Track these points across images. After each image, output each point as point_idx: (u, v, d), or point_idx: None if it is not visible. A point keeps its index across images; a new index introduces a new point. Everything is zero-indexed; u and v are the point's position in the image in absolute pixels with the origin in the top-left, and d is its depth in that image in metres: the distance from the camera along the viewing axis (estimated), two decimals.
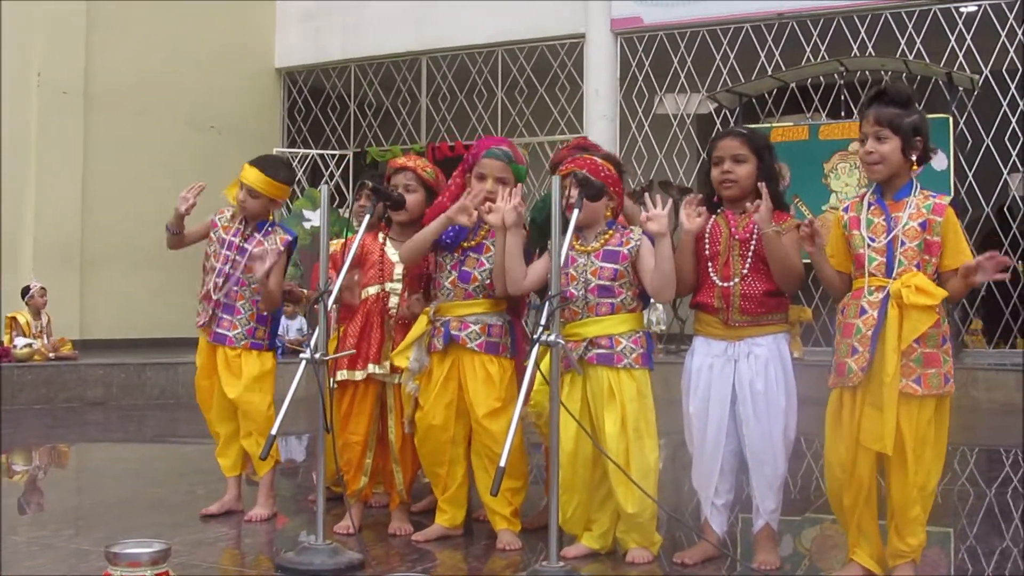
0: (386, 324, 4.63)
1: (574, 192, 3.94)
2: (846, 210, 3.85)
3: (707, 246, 4.11)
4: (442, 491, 4.50)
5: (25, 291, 11.06)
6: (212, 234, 5.05)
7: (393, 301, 4.64)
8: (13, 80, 12.18)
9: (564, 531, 4.11)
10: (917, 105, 3.76)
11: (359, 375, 4.59)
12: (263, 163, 5.07)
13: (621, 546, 4.20)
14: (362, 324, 4.63)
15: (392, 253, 4.68)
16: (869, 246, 3.72)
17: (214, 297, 4.96)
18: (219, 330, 4.97)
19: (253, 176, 4.96)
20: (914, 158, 3.73)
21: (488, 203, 4.29)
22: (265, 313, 4.99)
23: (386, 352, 4.61)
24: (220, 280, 4.94)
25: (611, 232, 4.18)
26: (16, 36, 12.18)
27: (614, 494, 4.10)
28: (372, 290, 4.66)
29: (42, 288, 11.08)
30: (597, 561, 4.18)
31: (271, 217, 5.11)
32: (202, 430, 8.53)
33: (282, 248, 4.95)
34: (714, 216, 4.16)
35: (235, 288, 4.96)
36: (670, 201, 4.09)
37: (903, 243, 3.67)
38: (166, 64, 13.57)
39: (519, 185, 4.37)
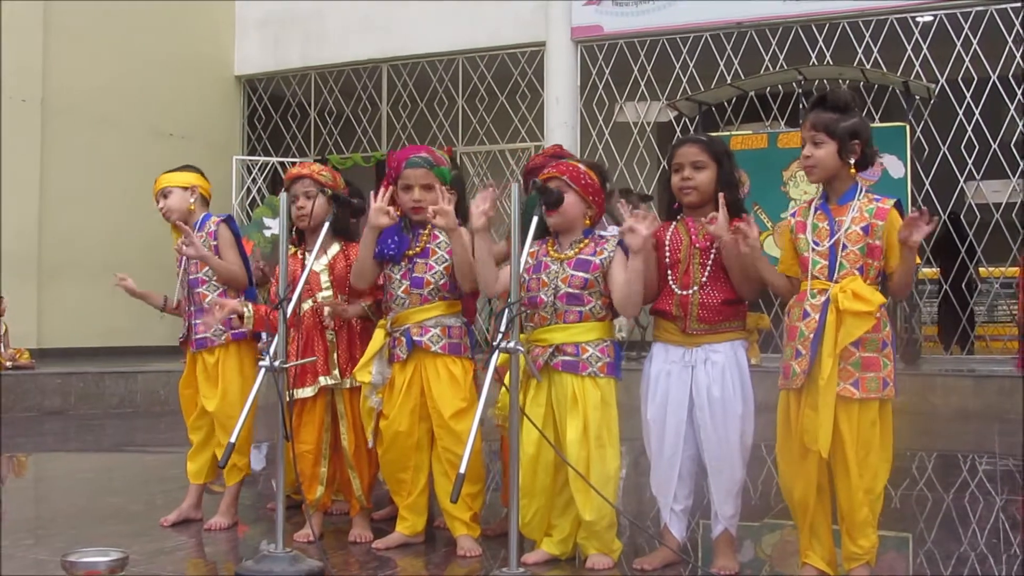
0: (327, 335, 4.64)
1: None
2: (794, 215, 3.93)
3: (667, 254, 4.14)
4: (403, 498, 4.50)
5: None
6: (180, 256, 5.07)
7: (328, 310, 4.65)
8: None
9: (524, 536, 4.12)
10: (858, 110, 3.80)
11: (309, 391, 4.60)
12: (173, 168, 5.25)
13: (581, 552, 4.22)
14: (304, 341, 4.63)
15: (314, 264, 4.66)
16: (813, 250, 3.78)
17: (189, 309, 4.98)
18: (198, 336, 4.97)
19: (159, 180, 5.15)
20: (852, 161, 3.78)
21: (430, 209, 4.30)
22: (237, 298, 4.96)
23: (332, 361, 4.62)
24: (185, 291, 4.96)
25: (587, 241, 4.20)
26: None
27: (575, 500, 4.12)
28: (305, 305, 4.66)
29: (0, 297, 10.98)
30: (557, 567, 4.20)
31: (193, 207, 5.10)
32: (161, 439, 8.55)
33: (214, 228, 4.99)
34: (675, 223, 4.19)
35: (197, 289, 4.98)
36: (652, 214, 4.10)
37: (845, 247, 3.73)
38: (125, 72, 13.47)
39: (445, 187, 4.38)
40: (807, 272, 3.78)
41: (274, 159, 14.59)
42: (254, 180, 14.21)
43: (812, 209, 3.86)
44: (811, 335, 3.69)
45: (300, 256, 4.70)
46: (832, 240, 3.75)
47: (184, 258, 4.99)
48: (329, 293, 4.66)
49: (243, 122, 15.37)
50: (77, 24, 12.98)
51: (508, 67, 13.58)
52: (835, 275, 3.72)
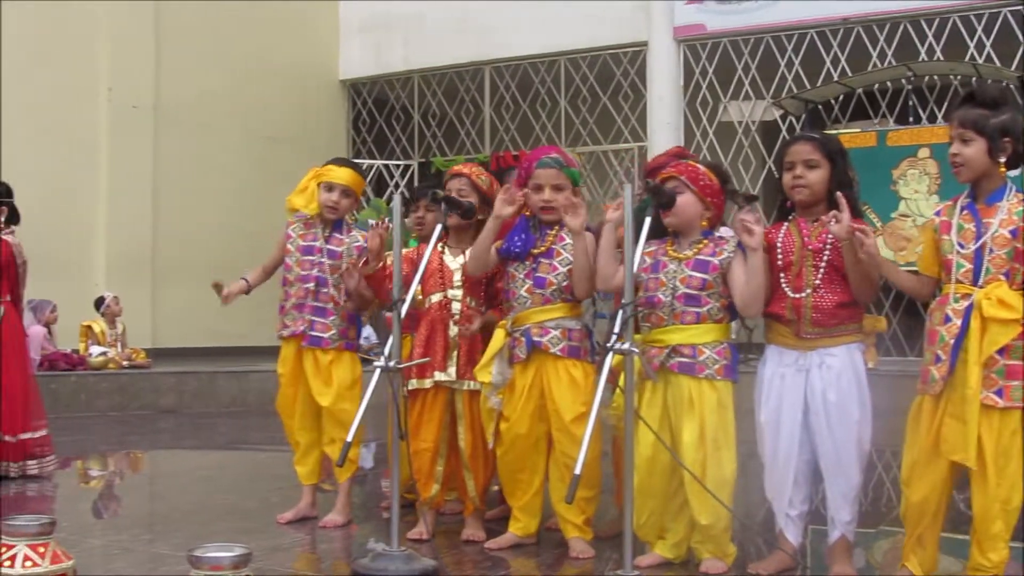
0: (450, 331, 4.67)
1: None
2: (938, 214, 3.79)
3: (779, 256, 4.09)
4: (518, 499, 4.53)
5: (100, 301, 11.27)
6: (289, 245, 5.10)
7: (455, 308, 4.69)
8: (84, 95, 12.41)
9: (638, 538, 4.11)
10: (1008, 106, 3.66)
11: (427, 383, 4.63)
12: (347, 162, 5.22)
13: (695, 556, 4.19)
14: (427, 333, 4.67)
15: (450, 260, 4.72)
16: (958, 252, 3.66)
17: (310, 303, 5.00)
18: (314, 333, 4.99)
19: (345, 175, 5.06)
20: (1003, 160, 3.65)
21: (566, 208, 4.33)
22: (353, 312, 5.05)
23: (451, 358, 4.65)
24: (312, 285, 5.00)
25: (705, 241, 4.16)
26: (86, 52, 12.43)
27: (689, 503, 4.09)
28: (435, 298, 4.71)
29: (116, 297, 11.28)
30: (671, 570, 4.18)
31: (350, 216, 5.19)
32: (273, 437, 8.66)
33: (363, 243, 5.04)
34: (786, 223, 4.14)
35: (324, 290, 5.01)
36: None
37: (991, 250, 3.60)
38: (233, 78, 13.74)
39: (577, 189, 4.40)
40: (950, 275, 3.67)
41: (378, 162, 14.76)
42: None
43: (958, 208, 3.72)
44: (952, 340, 3.58)
45: (440, 249, 4.74)
46: (978, 243, 3.62)
47: (310, 256, 5.02)
48: (460, 293, 4.69)
49: (348, 126, 15.55)
50: (187, 32, 13.27)
51: (610, 67, 13.53)
52: (980, 280, 3.61)
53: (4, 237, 6.37)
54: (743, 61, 12.68)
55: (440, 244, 4.73)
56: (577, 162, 4.62)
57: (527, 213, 4.50)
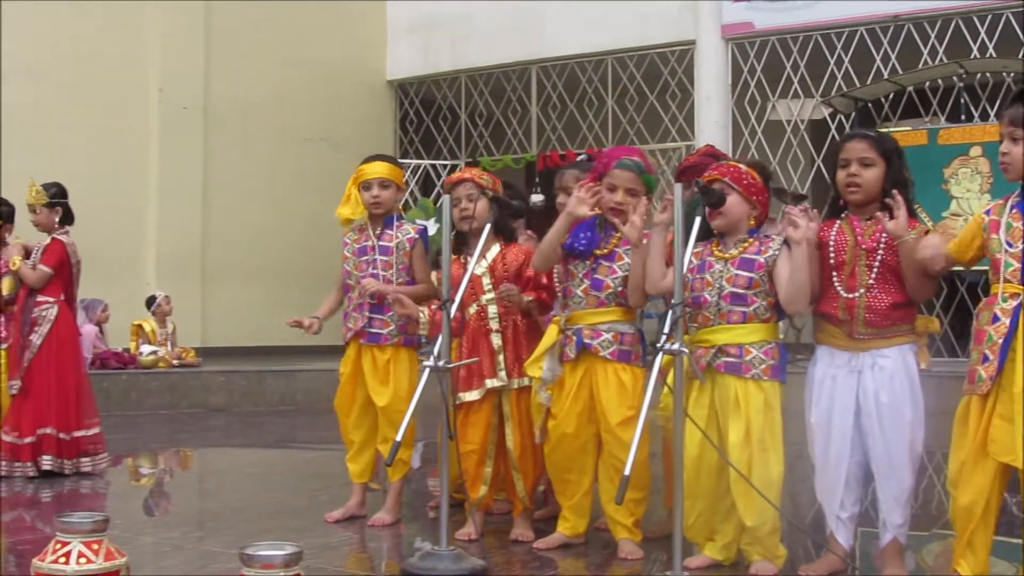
0: (492, 338, 4.67)
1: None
2: (988, 212, 3.73)
3: (832, 254, 4.05)
4: (567, 499, 4.52)
5: (151, 300, 11.38)
6: (345, 252, 5.14)
7: (492, 311, 4.69)
8: (135, 96, 12.55)
9: (687, 540, 4.09)
10: None
11: (476, 395, 4.64)
12: (378, 156, 5.22)
13: (745, 558, 4.16)
14: (470, 346, 4.68)
15: (475, 268, 4.68)
16: (1006, 251, 3.59)
17: (368, 301, 5.02)
18: (372, 330, 5.02)
19: (381, 168, 5.08)
20: None
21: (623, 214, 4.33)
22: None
23: (498, 363, 4.65)
24: (358, 283, 5.03)
25: (751, 240, 4.14)
26: (138, 53, 12.57)
27: (736, 504, 4.07)
28: (471, 310, 4.71)
29: (167, 297, 11.40)
30: (720, 572, 4.16)
31: (398, 209, 5.19)
32: (321, 436, 8.74)
33: (417, 236, 5.05)
34: (839, 221, 4.10)
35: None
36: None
37: None
38: (281, 79, 13.83)
39: (645, 199, 4.37)
40: (999, 274, 3.60)
41: (426, 162, 14.80)
42: (406, 183, 14.38)
43: (1008, 207, 3.65)
44: (1000, 340, 3.52)
45: (463, 260, 4.73)
46: None
47: (365, 257, 5.05)
48: (492, 296, 4.69)
49: (395, 126, 15.61)
50: (236, 34, 13.39)
51: (657, 66, 13.49)
52: None
53: (58, 237, 6.46)
54: (792, 59, 12.59)
55: (463, 257, 4.73)
56: (655, 168, 4.58)
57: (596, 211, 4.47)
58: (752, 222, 4.17)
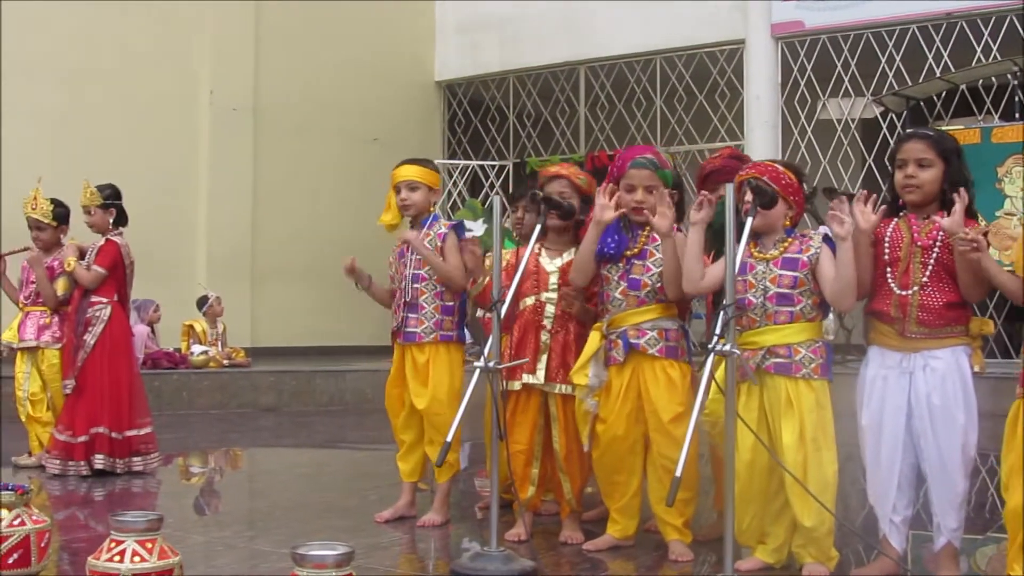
0: (541, 335, 4.66)
1: (746, 199, 3.90)
2: None
3: (886, 251, 4.00)
4: (615, 501, 4.50)
5: (202, 301, 11.49)
6: (390, 257, 5.18)
7: (549, 310, 4.68)
8: (186, 98, 12.68)
9: (738, 543, 4.06)
10: None
11: (516, 385, 4.63)
12: (413, 159, 5.21)
13: (797, 560, 4.12)
14: (519, 335, 4.66)
15: (547, 263, 4.70)
16: None
17: (404, 301, 5.03)
18: (408, 329, 5.02)
19: (409, 171, 5.09)
20: None
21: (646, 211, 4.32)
22: (450, 303, 5.04)
23: (541, 361, 4.64)
24: (405, 284, 5.04)
25: (790, 240, 4.12)
26: (189, 56, 12.70)
27: (790, 506, 4.03)
28: (528, 301, 4.70)
29: (218, 297, 11.50)
30: (772, 575, 4.12)
31: (433, 209, 5.17)
32: (369, 436, 8.78)
33: (446, 230, 5.04)
34: (896, 219, 4.06)
35: (415, 285, 5.03)
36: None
37: None
38: (330, 79, 13.92)
39: (667, 191, 4.35)
40: None
41: (474, 162, 14.81)
42: (455, 183, 14.47)
43: None
44: None
45: (536, 251, 4.72)
46: None
47: (405, 251, 5.07)
48: (555, 296, 4.68)
49: (443, 126, 15.64)
50: (285, 36, 13.48)
51: (707, 66, 13.42)
52: None
53: (112, 238, 6.52)
54: (842, 58, 12.49)
55: (537, 246, 4.71)
56: (671, 163, 4.57)
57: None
58: (788, 222, 4.15)
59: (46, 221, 6.73)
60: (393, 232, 5.19)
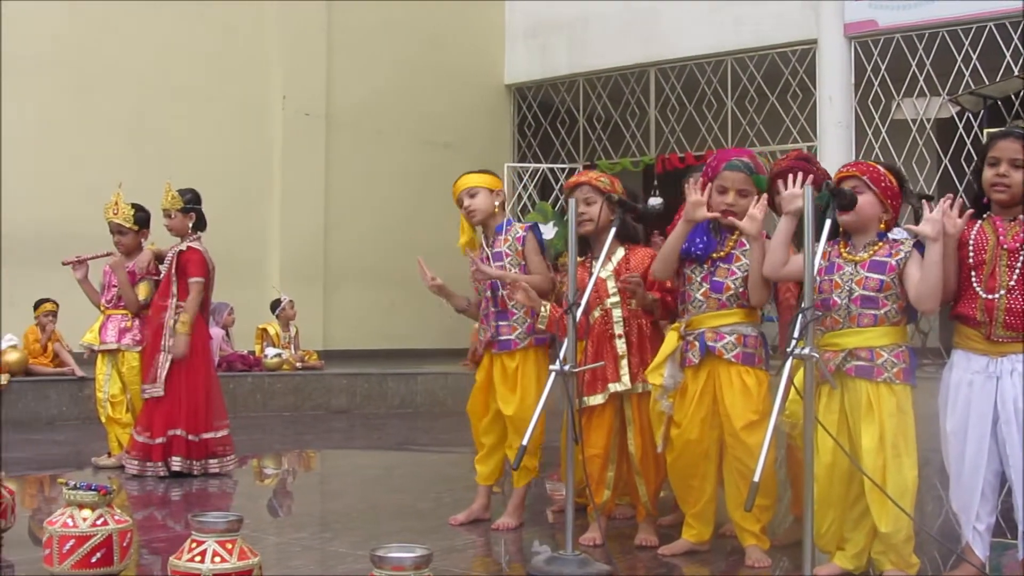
0: (616, 342, 4.64)
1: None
2: None
3: (971, 254, 3.93)
4: (690, 506, 4.47)
5: (275, 304, 11.62)
6: (471, 269, 5.18)
7: (616, 315, 4.65)
8: (260, 104, 12.84)
9: (817, 549, 4.01)
10: None
11: (600, 399, 4.61)
12: (467, 171, 5.22)
13: (876, 567, 4.06)
14: (594, 350, 4.64)
15: (601, 271, 4.66)
16: None
17: (491, 310, 5.03)
18: (501, 338, 5.01)
19: (467, 179, 5.12)
20: None
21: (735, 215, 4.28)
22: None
23: (622, 367, 4.62)
24: (489, 293, 5.04)
25: (881, 243, 4.05)
26: (263, 63, 12.85)
27: (870, 512, 3.98)
28: (596, 314, 4.68)
29: (291, 301, 11.61)
30: None
31: (497, 210, 5.13)
32: (440, 439, 8.82)
33: (524, 233, 5.03)
34: (980, 221, 3.98)
35: (500, 292, 5.01)
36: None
37: None
38: (401, 84, 14.02)
39: (763, 195, 4.31)
40: None
41: (544, 166, 14.81)
42: (525, 187, 14.49)
43: None
44: None
45: (587, 264, 4.72)
46: None
47: (484, 260, 5.04)
48: (617, 299, 4.66)
49: (513, 130, 15.68)
50: (356, 42, 13.60)
51: (778, 66, 13.31)
52: None
53: (194, 246, 6.60)
54: (917, 57, 12.32)
55: (585, 259, 4.70)
56: (766, 169, 4.53)
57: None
58: (882, 226, 4.09)
59: (127, 225, 6.85)
60: (475, 252, 5.16)
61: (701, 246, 4.38)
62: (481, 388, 5.13)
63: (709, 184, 4.41)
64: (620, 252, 4.72)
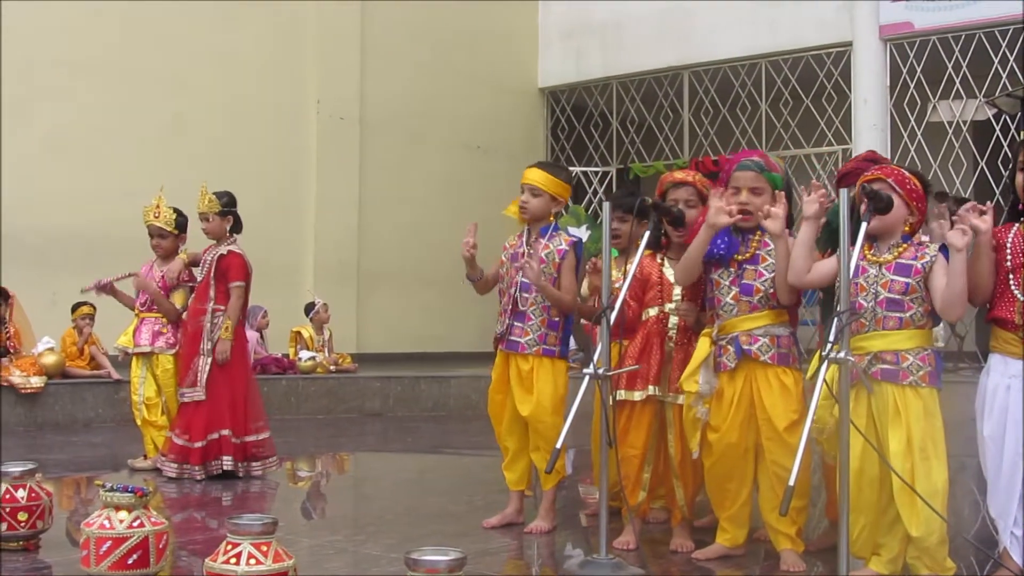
0: (666, 346, 4.63)
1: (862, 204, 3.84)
2: None
3: (1008, 257, 3.90)
4: (725, 509, 4.45)
5: (310, 307, 11.68)
6: (503, 257, 5.16)
7: (673, 321, 4.64)
8: (295, 109, 12.90)
9: (852, 554, 3.99)
10: None
11: (638, 395, 4.60)
12: (544, 164, 5.20)
13: (911, 572, 4.04)
14: (642, 345, 4.64)
15: (671, 274, 4.67)
16: None
17: (511, 308, 5.03)
18: (512, 338, 5.01)
19: (534, 175, 5.06)
20: None
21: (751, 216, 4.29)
22: (556, 319, 5.00)
23: (665, 373, 4.61)
24: (514, 291, 5.03)
25: (906, 246, 4.03)
26: (298, 68, 12.92)
27: (901, 516, 3.95)
28: (652, 311, 4.68)
29: (325, 304, 11.66)
30: None
31: (552, 219, 5.11)
32: (473, 441, 8.82)
33: (567, 248, 5.00)
34: (1017, 224, 3.95)
35: (524, 295, 5.01)
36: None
37: None
38: (434, 88, 14.06)
39: (781, 193, 4.30)
40: None
41: (577, 169, 14.81)
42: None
43: None
44: None
45: (659, 261, 4.72)
46: None
47: (519, 256, 5.04)
48: (678, 300, 4.66)
49: (547, 133, 15.67)
50: (390, 46, 13.65)
51: (813, 69, 13.24)
52: None
53: (234, 250, 6.62)
54: (953, 59, 12.23)
55: (661, 256, 4.69)
56: (781, 167, 4.51)
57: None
58: (907, 228, 4.07)
59: (168, 229, 6.87)
60: (520, 225, 5.15)
61: (723, 247, 4.37)
62: (497, 387, 5.13)
63: (723, 190, 4.40)
64: None
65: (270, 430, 6.78)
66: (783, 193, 4.30)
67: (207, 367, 6.54)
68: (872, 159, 4.73)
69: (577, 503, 5.84)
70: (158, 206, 6.89)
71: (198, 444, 6.46)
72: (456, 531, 5.03)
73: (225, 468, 6.47)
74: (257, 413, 6.71)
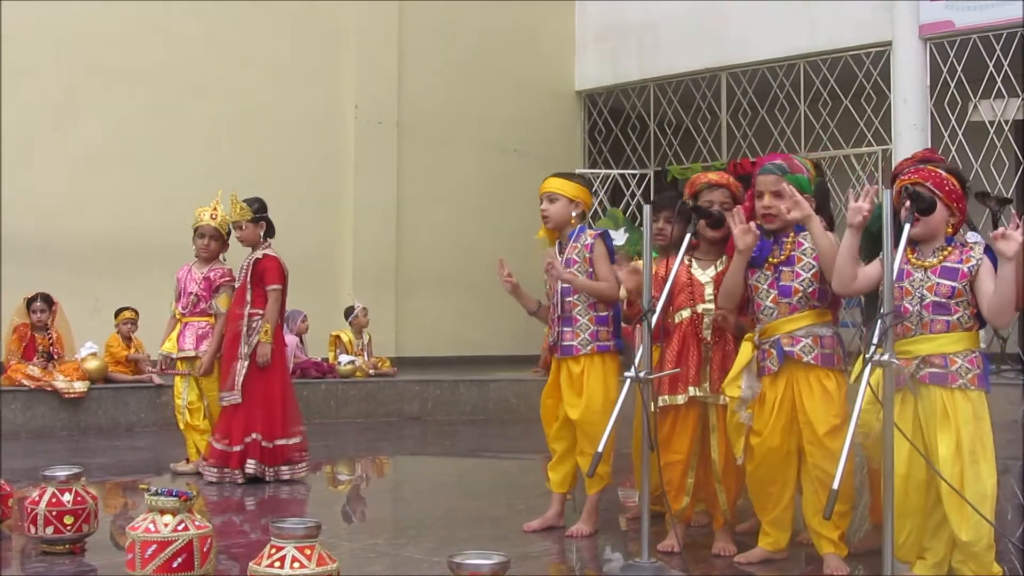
0: (703, 345, 4.62)
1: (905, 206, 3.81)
2: None
3: None
4: (767, 512, 4.43)
5: (349, 311, 11.72)
6: (544, 276, 5.18)
7: (707, 321, 4.63)
8: (333, 113, 12.98)
9: (897, 559, 3.95)
10: None
11: (680, 399, 4.60)
12: (557, 172, 5.26)
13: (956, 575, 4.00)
14: (679, 348, 4.63)
15: (699, 274, 4.67)
16: None
17: (557, 315, 5.05)
18: (564, 343, 5.04)
19: (548, 183, 5.14)
20: None
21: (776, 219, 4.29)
22: (604, 313, 5.02)
23: (704, 374, 4.60)
24: (557, 297, 5.06)
25: (950, 248, 3.99)
26: (336, 72, 13.00)
27: (948, 521, 3.92)
28: (685, 313, 4.67)
29: (364, 308, 11.70)
30: None
31: (573, 222, 5.11)
32: (512, 445, 8.83)
33: (593, 240, 5.03)
34: None
35: (567, 299, 5.03)
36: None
37: None
38: (472, 92, 14.09)
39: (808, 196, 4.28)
40: None
41: (614, 171, 14.79)
42: (595, 193, 14.44)
43: None
44: None
45: (687, 263, 4.71)
46: None
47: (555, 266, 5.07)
48: (712, 307, 4.64)
49: (584, 136, 15.66)
50: (427, 50, 13.70)
51: (852, 69, 13.15)
52: None
53: (270, 254, 6.66)
54: (994, 57, 12.10)
55: (687, 257, 4.68)
56: (806, 169, 4.48)
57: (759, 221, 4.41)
58: (949, 229, 4.03)
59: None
60: (550, 244, 5.20)
61: (756, 250, 4.36)
62: (550, 392, 5.16)
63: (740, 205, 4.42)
64: (724, 258, 4.69)
65: (304, 435, 6.78)
66: (810, 198, 4.28)
67: (244, 370, 6.58)
68: (927, 159, 4.69)
69: (617, 507, 5.82)
70: (215, 208, 6.93)
71: (237, 448, 6.50)
72: (496, 535, 5.04)
73: (247, 472, 6.49)
74: (294, 416, 6.74)
